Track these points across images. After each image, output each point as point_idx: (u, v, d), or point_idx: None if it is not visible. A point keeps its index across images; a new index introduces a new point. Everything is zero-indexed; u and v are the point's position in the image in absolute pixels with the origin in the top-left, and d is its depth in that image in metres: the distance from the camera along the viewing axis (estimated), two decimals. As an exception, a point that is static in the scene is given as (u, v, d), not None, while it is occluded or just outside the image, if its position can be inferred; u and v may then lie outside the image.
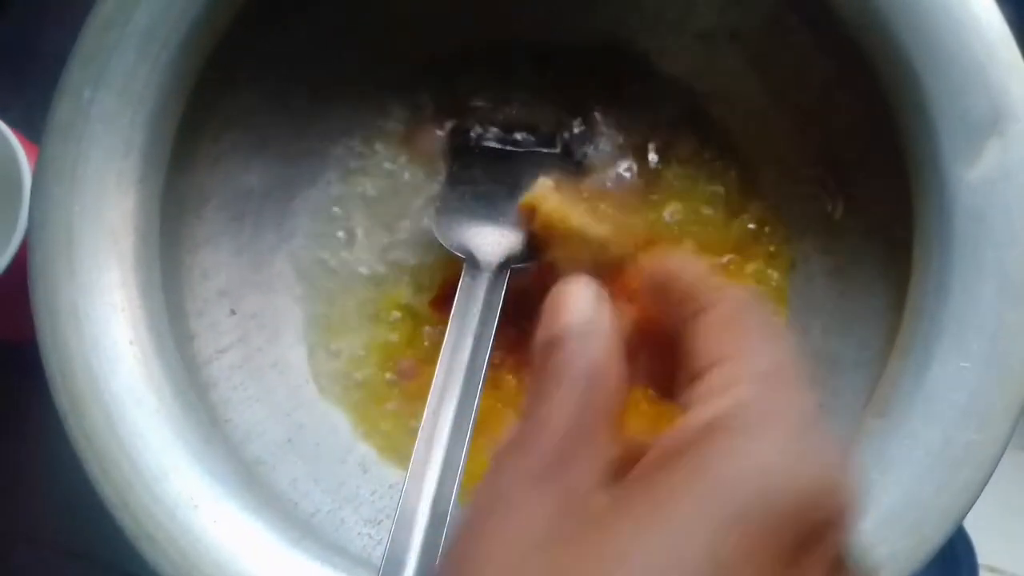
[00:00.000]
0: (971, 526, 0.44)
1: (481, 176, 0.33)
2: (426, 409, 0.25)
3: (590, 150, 0.34)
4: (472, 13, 0.33)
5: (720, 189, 0.34)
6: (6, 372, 0.37)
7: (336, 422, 0.33)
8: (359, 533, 0.31)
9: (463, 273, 0.30)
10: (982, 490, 0.24)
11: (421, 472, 0.23)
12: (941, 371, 0.25)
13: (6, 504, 0.37)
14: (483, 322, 0.28)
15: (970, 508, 0.24)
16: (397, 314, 0.34)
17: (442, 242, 0.31)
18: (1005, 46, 0.26)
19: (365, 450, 0.33)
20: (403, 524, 0.23)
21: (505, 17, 0.34)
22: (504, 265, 0.30)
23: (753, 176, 0.34)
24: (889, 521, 0.25)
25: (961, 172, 0.26)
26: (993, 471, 0.24)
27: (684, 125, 0.34)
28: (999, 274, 0.25)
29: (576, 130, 0.35)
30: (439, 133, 0.35)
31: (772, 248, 0.34)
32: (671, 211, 0.34)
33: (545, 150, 0.34)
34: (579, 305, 0.18)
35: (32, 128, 0.35)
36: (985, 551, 0.43)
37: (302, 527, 0.28)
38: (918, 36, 0.26)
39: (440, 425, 0.24)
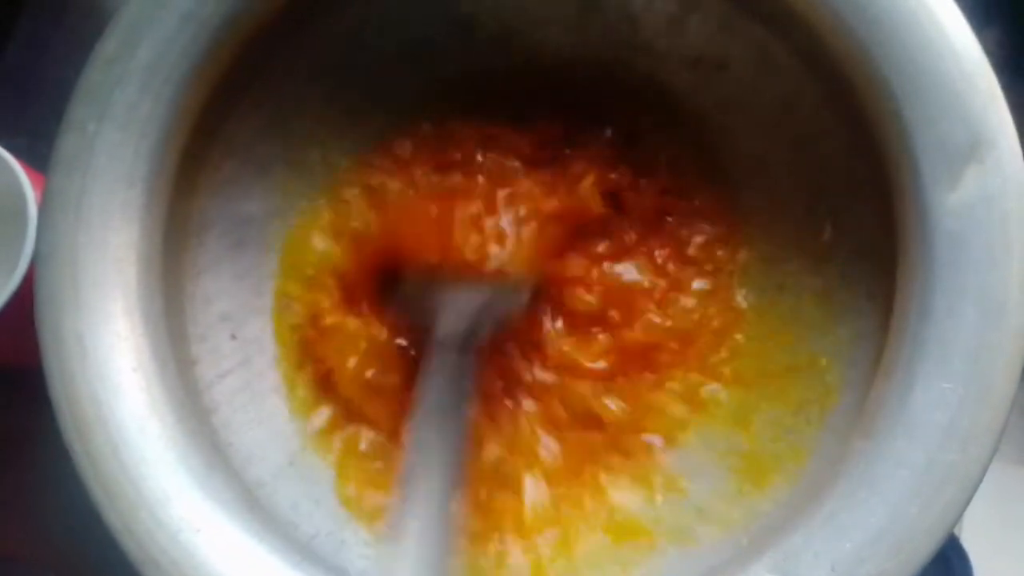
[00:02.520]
0: (967, 539, 0.44)
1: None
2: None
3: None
4: (470, 43, 0.34)
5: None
6: (10, 397, 0.37)
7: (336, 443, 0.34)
8: (360, 554, 0.31)
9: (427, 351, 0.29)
10: (965, 509, 0.25)
11: None
12: (924, 392, 0.26)
13: (9, 528, 0.38)
14: (453, 408, 0.27)
15: (953, 527, 0.25)
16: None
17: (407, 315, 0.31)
18: (983, 76, 0.26)
19: (367, 471, 0.33)
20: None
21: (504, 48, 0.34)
22: (471, 336, 0.29)
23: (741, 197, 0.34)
24: (875, 541, 0.25)
25: (942, 197, 0.26)
26: (976, 490, 0.25)
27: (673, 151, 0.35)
28: (980, 296, 0.26)
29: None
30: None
31: (761, 269, 0.34)
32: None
33: None
34: None
35: (38, 157, 0.36)
36: (981, 564, 0.44)
37: (303, 550, 0.28)
38: (899, 66, 0.27)
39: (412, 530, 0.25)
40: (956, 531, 0.44)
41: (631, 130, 0.35)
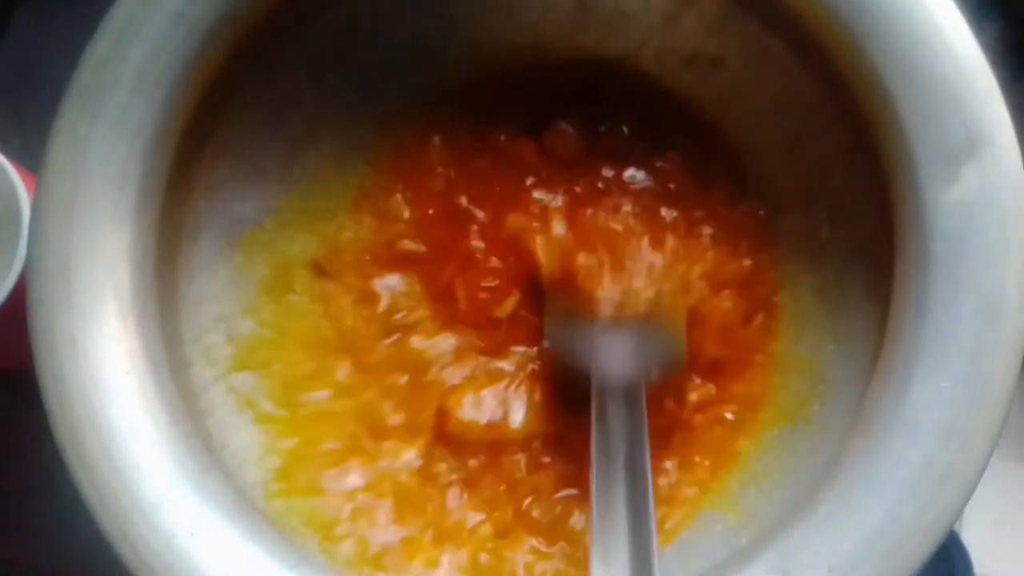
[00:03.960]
0: (967, 536, 0.44)
1: None
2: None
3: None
4: (462, 43, 0.34)
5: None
6: (4, 399, 0.37)
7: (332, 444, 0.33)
8: (357, 557, 0.31)
9: (594, 394, 0.27)
10: (963, 509, 0.25)
11: None
12: (921, 391, 0.26)
13: (3, 533, 0.38)
14: (633, 452, 0.26)
15: (952, 527, 0.25)
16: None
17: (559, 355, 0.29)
18: (981, 73, 0.26)
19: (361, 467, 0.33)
20: None
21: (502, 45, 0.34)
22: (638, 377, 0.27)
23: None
24: (873, 542, 0.25)
25: (939, 195, 0.26)
26: (974, 490, 0.25)
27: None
28: (978, 295, 0.26)
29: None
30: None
31: (762, 268, 0.34)
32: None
33: None
34: None
35: (31, 158, 0.36)
36: (981, 561, 0.44)
37: (299, 552, 0.28)
38: (896, 63, 0.27)
39: None
40: (956, 527, 0.44)
41: (625, 126, 0.35)
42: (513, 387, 0.32)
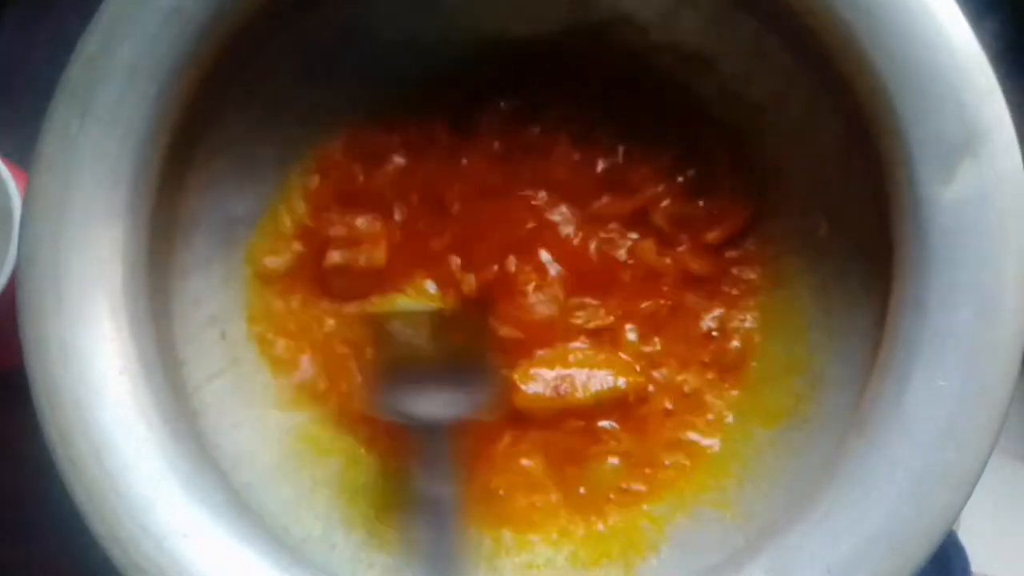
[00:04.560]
0: (965, 535, 0.44)
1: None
2: None
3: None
4: (458, 40, 0.34)
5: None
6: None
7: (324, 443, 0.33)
8: (350, 557, 0.31)
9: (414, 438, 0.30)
10: (962, 509, 0.25)
11: None
12: (920, 391, 0.25)
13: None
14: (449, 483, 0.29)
15: (950, 528, 0.25)
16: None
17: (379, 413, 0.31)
18: (979, 69, 0.26)
19: (356, 472, 0.33)
20: None
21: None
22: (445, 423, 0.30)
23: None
24: (870, 543, 0.25)
25: (937, 193, 0.26)
26: (972, 490, 0.25)
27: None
28: (975, 294, 0.25)
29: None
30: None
31: (760, 267, 0.34)
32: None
33: None
34: None
35: (23, 156, 0.36)
36: (978, 559, 0.44)
37: (293, 553, 0.28)
38: (893, 59, 0.26)
39: None
40: (953, 526, 0.44)
41: (621, 124, 0.34)
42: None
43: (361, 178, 0.34)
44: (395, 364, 0.31)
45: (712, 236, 0.34)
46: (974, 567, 0.43)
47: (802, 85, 0.31)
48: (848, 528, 0.25)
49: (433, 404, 0.30)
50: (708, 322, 0.34)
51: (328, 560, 0.30)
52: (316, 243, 0.34)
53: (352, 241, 0.34)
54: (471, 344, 0.32)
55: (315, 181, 0.34)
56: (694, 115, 0.34)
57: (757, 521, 0.30)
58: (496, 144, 0.34)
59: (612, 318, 0.34)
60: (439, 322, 0.33)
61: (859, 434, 0.26)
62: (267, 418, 0.32)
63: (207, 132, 0.31)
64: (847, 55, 0.27)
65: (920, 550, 0.25)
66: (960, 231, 0.26)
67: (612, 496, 0.33)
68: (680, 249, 0.34)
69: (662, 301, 0.34)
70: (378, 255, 0.34)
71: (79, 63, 0.28)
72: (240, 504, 0.28)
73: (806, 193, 0.32)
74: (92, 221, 0.28)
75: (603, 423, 0.33)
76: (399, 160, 0.35)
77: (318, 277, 0.34)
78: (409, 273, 0.34)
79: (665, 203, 0.34)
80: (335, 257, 0.34)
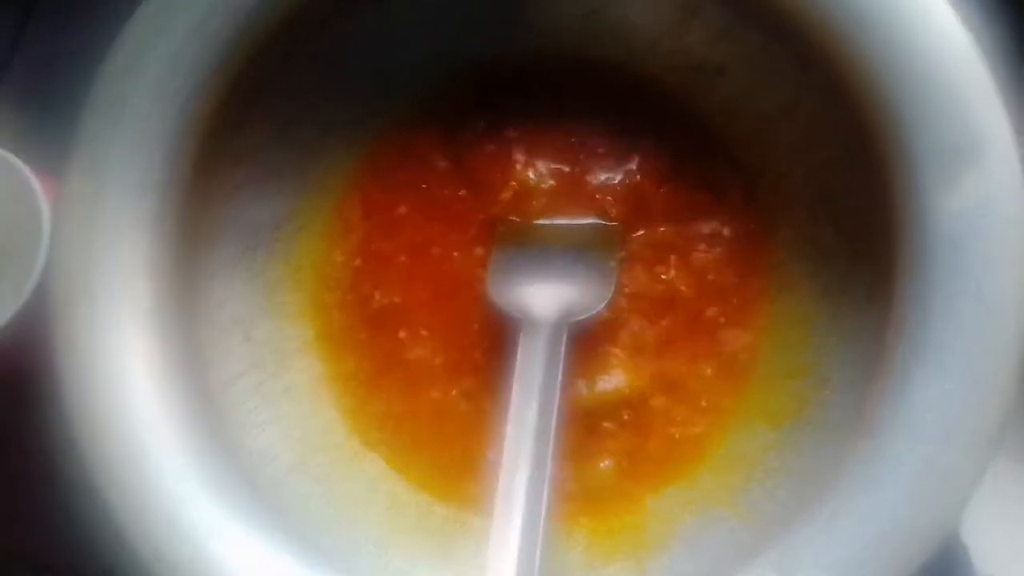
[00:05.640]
0: (967, 535, 0.44)
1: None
2: (500, 481, 0.27)
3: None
4: (475, 51, 0.34)
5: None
6: (15, 401, 0.37)
7: (346, 441, 0.34)
8: (370, 553, 0.32)
9: (521, 334, 0.30)
10: (964, 510, 0.25)
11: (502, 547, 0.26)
12: (924, 393, 0.26)
13: (13, 528, 0.37)
14: (547, 383, 0.29)
15: (953, 528, 0.25)
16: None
17: (496, 302, 0.32)
18: (980, 79, 0.27)
19: (376, 469, 0.34)
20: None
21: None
22: (561, 321, 0.30)
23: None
24: (874, 543, 0.25)
25: (940, 200, 0.27)
26: (975, 491, 0.25)
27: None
28: (978, 298, 0.26)
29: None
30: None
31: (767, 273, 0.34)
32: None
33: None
34: None
35: (52, 165, 0.36)
36: (982, 560, 0.44)
37: (315, 549, 0.29)
38: (896, 71, 0.27)
39: (515, 495, 0.27)
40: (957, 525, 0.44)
41: (632, 133, 0.35)
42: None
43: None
44: (516, 264, 0.32)
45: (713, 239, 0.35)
46: (977, 568, 0.44)
47: (808, 96, 0.31)
48: (854, 528, 0.26)
49: (548, 302, 0.31)
50: (713, 324, 0.34)
51: (349, 560, 0.31)
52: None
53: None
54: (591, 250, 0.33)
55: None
56: (697, 125, 0.35)
57: (764, 521, 0.30)
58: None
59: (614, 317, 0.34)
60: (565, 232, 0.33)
61: (864, 436, 0.27)
62: (290, 418, 0.33)
63: (232, 142, 0.32)
64: (851, 67, 0.28)
65: (923, 550, 0.25)
66: (963, 238, 0.26)
67: (615, 496, 0.33)
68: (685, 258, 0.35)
69: (665, 302, 0.34)
70: None
71: (107, 79, 0.29)
72: (264, 503, 0.29)
73: (812, 201, 0.33)
74: (121, 228, 0.29)
75: (605, 423, 0.34)
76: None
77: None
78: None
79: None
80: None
